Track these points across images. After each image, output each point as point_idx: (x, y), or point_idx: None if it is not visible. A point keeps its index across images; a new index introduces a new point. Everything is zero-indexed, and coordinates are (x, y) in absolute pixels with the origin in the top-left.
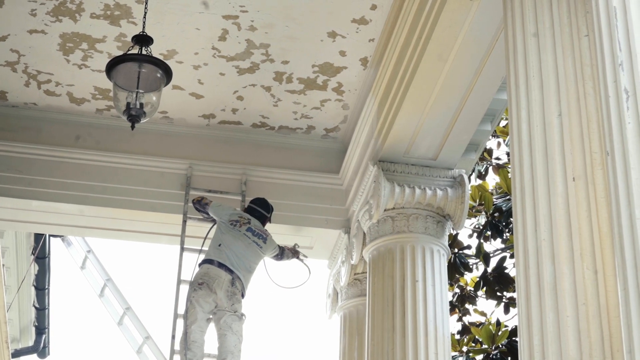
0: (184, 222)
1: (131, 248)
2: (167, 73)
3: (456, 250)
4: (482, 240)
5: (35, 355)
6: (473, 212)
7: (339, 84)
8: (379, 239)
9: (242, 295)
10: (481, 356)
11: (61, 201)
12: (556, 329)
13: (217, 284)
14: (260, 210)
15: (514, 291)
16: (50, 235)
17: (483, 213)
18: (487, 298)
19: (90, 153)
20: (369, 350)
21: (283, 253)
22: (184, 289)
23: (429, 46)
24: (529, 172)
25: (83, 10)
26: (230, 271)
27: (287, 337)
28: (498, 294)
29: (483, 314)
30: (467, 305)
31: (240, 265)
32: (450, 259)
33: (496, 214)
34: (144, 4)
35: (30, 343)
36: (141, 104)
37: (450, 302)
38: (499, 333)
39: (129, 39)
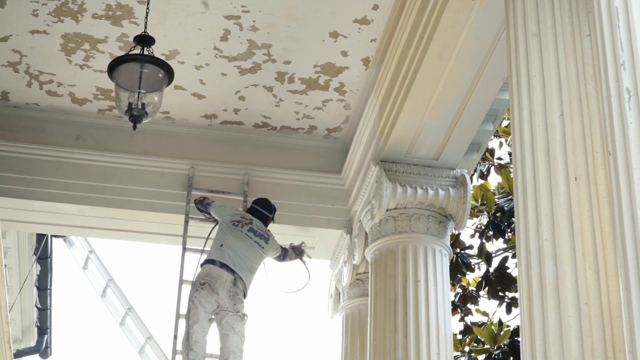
0: (186, 222)
1: (133, 248)
2: (169, 73)
3: (458, 250)
4: (484, 240)
5: (37, 355)
6: (475, 212)
7: (341, 84)
8: (381, 239)
9: (244, 296)
10: (483, 356)
11: (63, 201)
12: (558, 329)
13: (219, 284)
14: (262, 210)
15: (516, 291)
16: (52, 236)
17: (485, 213)
18: (489, 298)
19: (92, 153)
20: (371, 351)
21: (286, 254)
22: (186, 289)
23: (430, 46)
24: (531, 172)
25: (85, 10)
26: (232, 271)
27: (289, 338)
28: (500, 294)
29: (485, 314)
30: (469, 305)
31: (242, 265)
32: (452, 259)
33: (498, 214)
34: (146, 4)
35: (33, 343)
36: (143, 104)
37: (452, 302)
38: (501, 333)
39: (131, 39)
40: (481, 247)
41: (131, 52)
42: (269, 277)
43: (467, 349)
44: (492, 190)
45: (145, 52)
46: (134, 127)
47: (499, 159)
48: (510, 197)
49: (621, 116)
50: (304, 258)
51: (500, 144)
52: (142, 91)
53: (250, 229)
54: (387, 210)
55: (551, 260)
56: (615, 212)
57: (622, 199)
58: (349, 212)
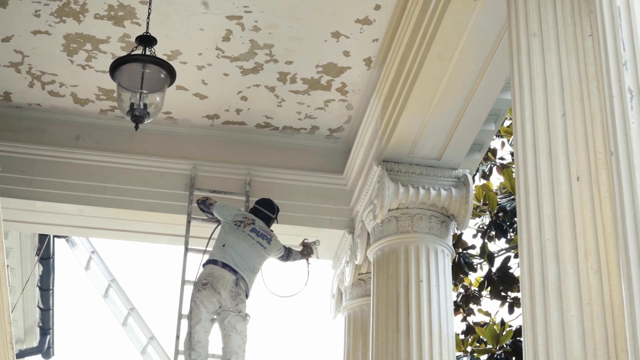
0: (188, 222)
1: (135, 248)
2: (171, 73)
3: (460, 250)
4: (486, 240)
5: (39, 355)
6: (477, 212)
7: (343, 84)
8: (383, 239)
9: (247, 296)
10: (485, 356)
11: (65, 202)
12: (560, 329)
13: (221, 285)
14: (265, 211)
15: (518, 291)
16: (54, 236)
17: (487, 213)
18: (491, 298)
19: (94, 154)
20: (373, 351)
21: (290, 254)
22: (188, 289)
23: (432, 46)
24: (533, 172)
25: (87, 11)
26: (234, 271)
27: (291, 338)
28: (502, 293)
29: (487, 314)
30: (471, 305)
31: (244, 265)
32: (454, 259)
33: (500, 214)
34: (148, 4)
35: (35, 344)
36: (145, 105)
37: (455, 302)
38: (504, 333)
39: (133, 39)
40: (483, 247)
41: (133, 53)
42: (265, 281)
43: (469, 349)
44: (494, 190)
45: (147, 53)
46: (136, 128)
47: (501, 158)
48: (512, 197)
49: (623, 116)
50: (310, 259)
51: (503, 144)
52: (144, 91)
53: (252, 229)
54: (389, 210)
55: (553, 260)
56: (618, 212)
57: (624, 199)
58: (351, 212)
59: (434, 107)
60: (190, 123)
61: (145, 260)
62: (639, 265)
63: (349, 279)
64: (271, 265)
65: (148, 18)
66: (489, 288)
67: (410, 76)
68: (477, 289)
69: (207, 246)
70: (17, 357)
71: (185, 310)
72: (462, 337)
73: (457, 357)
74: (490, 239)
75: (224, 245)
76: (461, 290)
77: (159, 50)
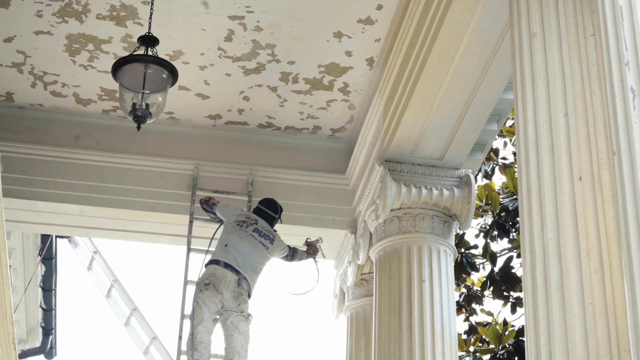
0: (191, 222)
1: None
2: (173, 74)
3: (463, 250)
4: (488, 240)
5: (42, 356)
6: (480, 212)
7: (345, 84)
8: (386, 239)
9: (249, 296)
10: (488, 356)
11: (67, 202)
12: (563, 329)
13: (223, 285)
14: (268, 211)
15: (520, 291)
16: (56, 236)
17: (490, 213)
18: (493, 298)
19: (96, 154)
20: (375, 351)
21: (294, 254)
22: (191, 289)
23: (434, 46)
24: (536, 171)
25: (89, 11)
26: (237, 272)
27: (294, 338)
28: (505, 293)
29: (490, 313)
30: (473, 305)
31: (246, 265)
32: (457, 259)
33: (503, 214)
34: (150, 4)
35: (37, 344)
36: (147, 105)
37: (457, 302)
38: (506, 333)
39: (135, 39)
40: (486, 247)
41: (135, 53)
42: (276, 278)
43: (471, 348)
44: (496, 190)
45: (150, 53)
46: (138, 128)
47: (504, 158)
48: (514, 196)
49: (625, 115)
50: (317, 258)
51: (505, 144)
52: (146, 92)
53: (255, 229)
54: (391, 210)
55: (556, 260)
56: (620, 212)
57: (626, 199)
58: (354, 212)
59: (436, 106)
60: (192, 123)
61: (148, 260)
62: None
63: (351, 279)
64: (279, 264)
65: (150, 18)
66: (491, 288)
67: (413, 76)
68: (479, 288)
69: (209, 246)
70: (19, 358)
71: (188, 311)
72: (464, 337)
73: (459, 357)
74: (493, 238)
75: (226, 246)
76: (463, 290)
77: (161, 51)
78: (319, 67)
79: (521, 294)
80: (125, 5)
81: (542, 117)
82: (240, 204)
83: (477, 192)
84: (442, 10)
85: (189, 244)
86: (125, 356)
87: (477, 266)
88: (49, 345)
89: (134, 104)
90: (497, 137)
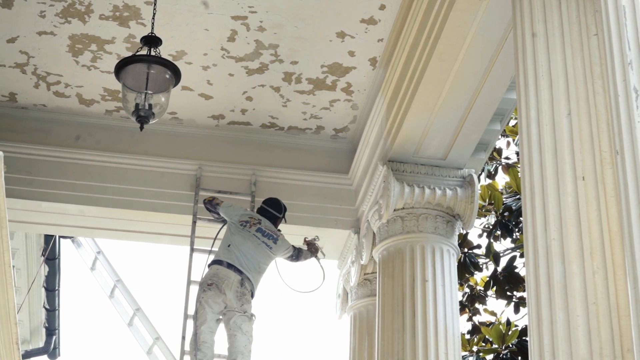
0: (194, 222)
1: (141, 249)
2: (176, 74)
3: (466, 249)
4: (492, 240)
5: (45, 356)
6: (483, 212)
7: (348, 84)
8: (389, 239)
9: (252, 296)
10: (491, 356)
11: (70, 202)
12: (566, 329)
13: (227, 285)
14: (272, 210)
15: (524, 291)
16: (60, 237)
17: (493, 212)
18: (497, 298)
19: (99, 154)
20: (379, 351)
21: (299, 254)
22: (194, 289)
23: (437, 46)
24: (539, 171)
25: (92, 11)
26: (240, 272)
27: (297, 338)
28: (508, 293)
29: (493, 313)
30: (477, 305)
31: (249, 265)
32: (460, 259)
33: (506, 214)
34: (153, 5)
35: (41, 344)
36: (150, 105)
37: (460, 302)
38: (509, 333)
39: (138, 40)
40: (489, 247)
41: (138, 53)
42: (283, 277)
43: (475, 348)
44: (499, 190)
45: (153, 53)
46: (141, 128)
47: (507, 158)
48: (517, 196)
49: (628, 115)
50: (318, 255)
51: (508, 144)
52: (149, 92)
53: (258, 229)
54: (394, 210)
55: (559, 260)
56: (623, 211)
57: (629, 198)
58: (357, 212)
59: (439, 106)
60: (195, 123)
61: (151, 260)
62: None
63: (354, 279)
64: (285, 264)
65: (153, 18)
66: (494, 288)
67: (416, 76)
68: (482, 288)
69: (212, 246)
70: (23, 358)
71: (191, 311)
72: (467, 336)
73: (462, 356)
74: (496, 238)
75: (229, 246)
76: (467, 290)
77: (164, 51)
78: (321, 67)
79: (524, 294)
80: (128, 6)
81: (545, 117)
82: (243, 204)
83: (480, 191)
84: (445, 10)
85: (192, 244)
86: (129, 356)
87: (480, 266)
88: (52, 346)
89: (136, 104)
90: (500, 136)
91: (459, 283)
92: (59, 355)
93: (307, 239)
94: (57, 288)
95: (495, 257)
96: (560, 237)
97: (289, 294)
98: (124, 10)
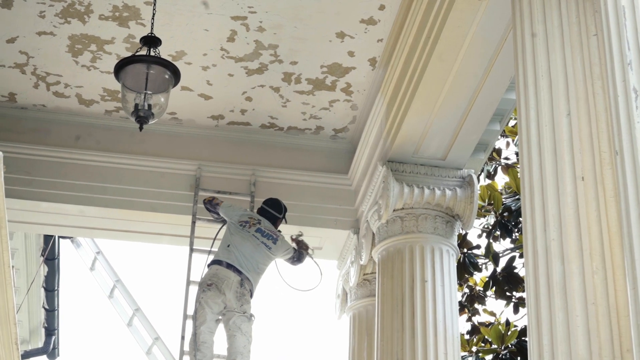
0: (193, 223)
1: (140, 249)
2: (176, 74)
3: (465, 250)
4: (491, 240)
5: (45, 356)
6: (482, 212)
7: (348, 84)
8: (388, 239)
9: (251, 296)
10: (490, 356)
11: (70, 202)
12: (565, 329)
13: (226, 285)
14: (272, 211)
15: (523, 291)
16: (59, 237)
17: (492, 213)
18: (496, 298)
19: (98, 154)
20: (378, 351)
21: (300, 256)
22: (193, 289)
23: (437, 46)
24: (538, 171)
25: (92, 11)
26: (239, 272)
27: (297, 338)
28: (507, 293)
29: (492, 314)
30: (476, 305)
31: (248, 266)
32: (459, 259)
33: (505, 214)
34: (153, 5)
35: (40, 344)
36: (149, 105)
37: (460, 302)
38: (509, 333)
39: (138, 40)
40: (488, 247)
41: (138, 53)
42: (283, 276)
43: (474, 349)
44: (499, 190)
45: (152, 53)
46: (141, 128)
47: (506, 158)
48: (517, 196)
49: (628, 115)
50: (309, 252)
51: (507, 144)
52: (149, 92)
53: (257, 229)
54: (394, 210)
55: (558, 260)
56: (623, 212)
57: (629, 199)
58: (356, 213)
59: (438, 107)
60: (195, 123)
61: (150, 261)
62: None
63: (354, 279)
64: (284, 263)
65: (153, 19)
66: (494, 288)
67: (415, 76)
68: (482, 289)
69: (212, 247)
70: (22, 358)
71: (190, 311)
72: (467, 337)
73: (462, 357)
74: (495, 238)
75: (228, 246)
76: (466, 290)
77: (164, 51)
78: (321, 68)
79: (524, 294)
80: (128, 6)
81: (545, 117)
82: (242, 205)
83: (479, 192)
84: (445, 10)
85: (191, 244)
86: (128, 356)
87: (480, 266)
88: (51, 346)
89: (136, 105)
90: (499, 137)
91: (458, 283)
92: (58, 355)
93: (293, 237)
94: (56, 288)
95: (494, 257)
96: (559, 238)
97: (289, 294)
98: (123, 10)
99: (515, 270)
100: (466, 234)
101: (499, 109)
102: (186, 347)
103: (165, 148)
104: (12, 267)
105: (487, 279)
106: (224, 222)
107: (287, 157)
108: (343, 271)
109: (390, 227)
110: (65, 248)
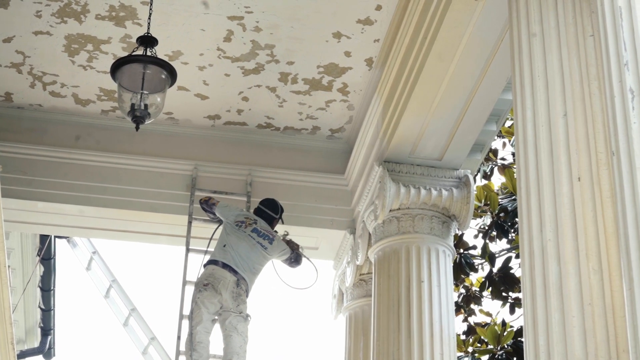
0: (190, 223)
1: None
2: (172, 74)
3: (462, 250)
4: (487, 241)
5: (40, 356)
6: (478, 213)
7: (344, 84)
8: (385, 239)
9: (247, 296)
10: (487, 356)
11: (66, 202)
12: (562, 329)
13: (222, 285)
14: (268, 211)
15: (519, 291)
16: (55, 237)
17: (488, 213)
18: (492, 298)
19: (95, 154)
20: (374, 351)
21: (298, 257)
22: (189, 290)
23: (433, 46)
24: (535, 172)
25: (88, 11)
26: (235, 272)
27: (293, 338)
28: (503, 294)
29: (488, 314)
30: (472, 306)
31: (244, 266)
32: (455, 260)
33: (502, 214)
34: (149, 5)
35: (36, 344)
36: (146, 105)
37: (456, 303)
38: (505, 333)
39: (134, 40)
40: (484, 248)
41: (134, 53)
42: (279, 275)
43: (470, 349)
44: (495, 191)
45: (149, 53)
46: (137, 128)
47: (503, 159)
48: (513, 197)
49: (624, 116)
50: (300, 251)
51: (504, 144)
52: (145, 92)
53: (253, 229)
54: (390, 210)
55: (554, 261)
56: (619, 212)
57: (625, 199)
58: (353, 213)
59: (435, 107)
60: (191, 123)
61: (147, 260)
62: None
63: (350, 280)
64: (280, 263)
65: (149, 19)
66: (490, 288)
67: (412, 76)
68: (478, 289)
69: (208, 247)
70: (18, 358)
71: (187, 311)
72: (463, 337)
73: (458, 357)
74: (492, 239)
75: (224, 246)
76: (462, 290)
77: (160, 51)
78: (318, 68)
79: (520, 295)
80: (125, 6)
81: (541, 118)
82: (239, 205)
83: (476, 192)
84: (441, 10)
85: (187, 244)
86: (124, 356)
87: (476, 267)
88: (47, 346)
89: (132, 105)
90: (496, 137)
91: (454, 284)
92: (54, 355)
93: (281, 239)
94: (52, 288)
95: (490, 257)
96: (555, 238)
97: (285, 294)
98: (120, 10)
99: (512, 271)
100: (462, 234)
101: (495, 110)
102: (182, 347)
103: (161, 148)
104: (8, 266)
105: (483, 279)
106: (220, 222)
107: (284, 157)
108: (339, 271)
109: (386, 227)
110: (61, 248)
